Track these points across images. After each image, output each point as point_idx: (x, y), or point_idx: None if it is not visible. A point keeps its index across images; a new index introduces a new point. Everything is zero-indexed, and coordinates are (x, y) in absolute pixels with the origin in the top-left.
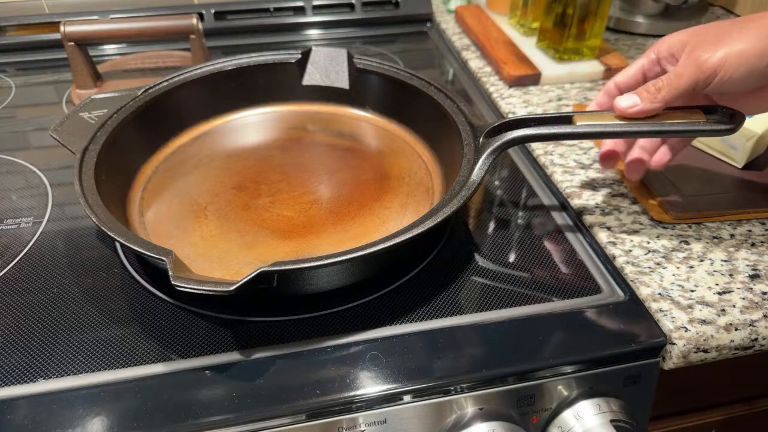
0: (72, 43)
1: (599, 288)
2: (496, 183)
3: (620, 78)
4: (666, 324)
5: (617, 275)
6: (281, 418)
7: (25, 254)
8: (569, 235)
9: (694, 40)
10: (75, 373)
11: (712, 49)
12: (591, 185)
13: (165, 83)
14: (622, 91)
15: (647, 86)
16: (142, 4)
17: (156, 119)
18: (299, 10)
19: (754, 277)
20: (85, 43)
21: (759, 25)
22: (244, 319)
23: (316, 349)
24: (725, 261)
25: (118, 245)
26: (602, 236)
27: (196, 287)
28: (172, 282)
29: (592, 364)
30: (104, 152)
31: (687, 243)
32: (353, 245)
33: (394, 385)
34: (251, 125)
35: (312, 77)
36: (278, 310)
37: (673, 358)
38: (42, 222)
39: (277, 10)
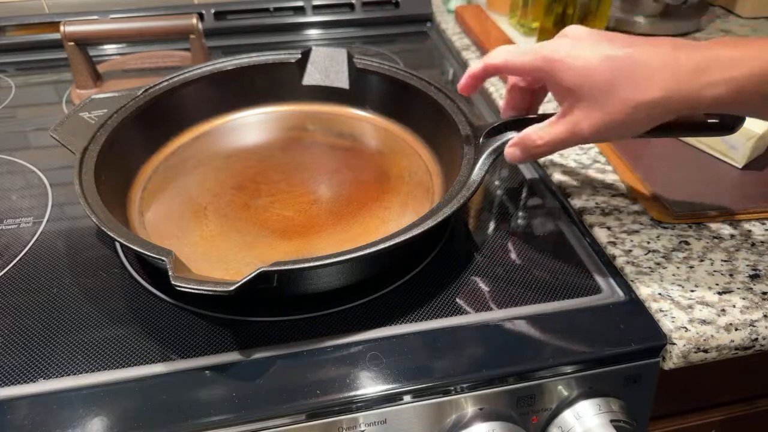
0: (72, 43)
1: (599, 288)
2: (496, 183)
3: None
4: (666, 324)
5: (617, 275)
6: (281, 418)
7: (25, 254)
8: (569, 235)
9: (580, 94)
10: (75, 373)
11: (590, 119)
12: (591, 185)
13: (165, 83)
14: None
15: (529, 138)
16: (142, 4)
17: (156, 119)
18: (299, 10)
19: (754, 277)
20: (85, 43)
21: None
22: (244, 319)
23: (316, 349)
24: (725, 261)
25: (118, 245)
26: (602, 236)
27: (196, 287)
28: (172, 282)
29: (592, 364)
30: (104, 152)
31: (687, 243)
32: (353, 245)
33: (394, 385)
34: (251, 125)
35: (312, 77)
36: (278, 310)
37: (673, 358)
38: (42, 222)
39: (277, 10)
